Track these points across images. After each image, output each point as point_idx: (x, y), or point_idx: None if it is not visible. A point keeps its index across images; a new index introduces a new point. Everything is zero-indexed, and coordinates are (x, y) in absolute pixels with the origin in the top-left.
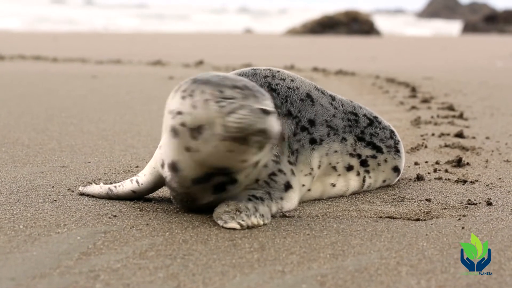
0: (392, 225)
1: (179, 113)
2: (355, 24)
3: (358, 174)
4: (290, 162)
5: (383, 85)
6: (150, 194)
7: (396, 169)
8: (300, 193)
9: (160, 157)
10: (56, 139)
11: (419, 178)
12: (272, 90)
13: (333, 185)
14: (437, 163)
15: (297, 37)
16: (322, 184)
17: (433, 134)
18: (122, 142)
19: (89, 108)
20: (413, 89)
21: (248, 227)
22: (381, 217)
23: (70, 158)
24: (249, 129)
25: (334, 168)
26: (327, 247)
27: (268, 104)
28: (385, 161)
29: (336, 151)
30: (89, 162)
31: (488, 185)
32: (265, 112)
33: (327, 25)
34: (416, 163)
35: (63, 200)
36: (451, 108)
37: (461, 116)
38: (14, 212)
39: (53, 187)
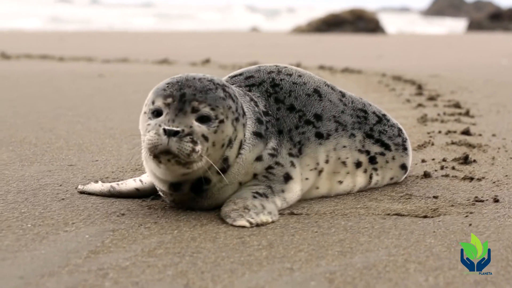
0: (399, 222)
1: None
2: (361, 23)
3: (365, 171)
4: (291, 154)
5: (390, 83)
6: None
7: (403, 167)
8: (302, 184)
9: None
10: (64, 138)
11: (426, 175)
12: (275, 85)
13: (340, 182)
14: (444, 160)
15: (303, 36)
16: (330, 182)
17: (439, 132)
18: (130, 141)
19: (96, 107)
20: (420, 87)
21: (257, 225)
22: (388, 214)
23: (78, 157)
24: (154, 150)
25: (344, 163)
26: (335, 245)
27: (181, 122)
28: (393, 158)
29: (344, 146)
30: (97, 160)
31: (495, 182)
32: (168, 133)
33: (332, 24)
34: (423, 161)
35: (71, 199)
36: (457, 105)
37: (467, 113)
38: (22, 210)
39: (60, 185)
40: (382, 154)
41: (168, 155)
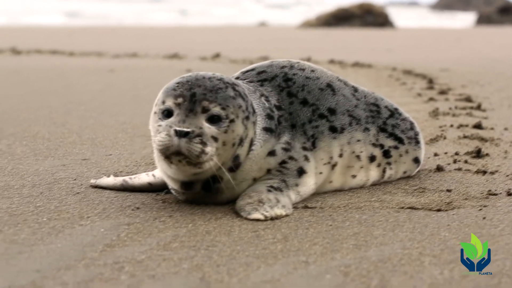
0: (414, 216)
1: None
2: (370, 17)
3: (379, 165)
4: (305, 148)
5: (400, 77)
6: None
7: (416, 160)
8: (316, 178)
9: None
10: (76, 132)
11: (439, 169)
12: (288, 79)
13: (354, 176)
14: (456, 154)
15: (312, 30)
16: (344, 176)
17: (451, 125)
18: (142, 135)
19: (108, 102)
20: (430, 81)
21: (272, 218)
22: (402, 207)
23: (91, 151)
24: (166, 152)
25: (358, 157)
26: (349, 238)
27: (192, 123)
28: (406, 152)
29: (358, 140)
30: (110, 154)
31: (508, 175)
32: (179, 134)
33: (341, 18)
34: (435, 154)
35: (86, 193)
36: (468, 99)
37: (479, 107)
38: (37, 204)
39: (75, 179)
40: (396, 147)
41: (179, 156)
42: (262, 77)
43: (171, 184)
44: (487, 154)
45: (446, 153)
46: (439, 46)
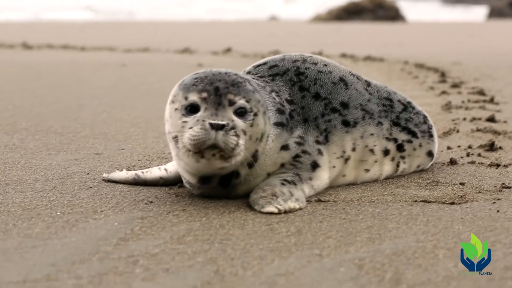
0: (427, 209)
1: (166, 120)
2: (381, 11)
3: (393, 159)
4: (318, 142)
5: (412, 71)
6: None
7: (430, 154)
8: (330, 172)
9: None
10: (89, 126)
11: (452, 162)
12: (300, 74)
13: (367, 170)
14: (469, 147)
15: (323, 24)
16: (357, 170)
17: (464, 119)
18: (155, 129)
19: (120, 97)
20: (443, 74)
21: (285, 212)
22: (416, 201)
23: (104, 145)
24: (201, 146)
25: (372, 151)
26: (363, 231)
27: (224, 116)
28: (420, 145)
29: (372, 134)
30: (123, 149)
31: None
32: (215, 127)
33: (352, 12)
34: (448, 148)
35: (99, 187)
36: (481, 92)
37: (491, 100)
38: (51, 199)
39: (88, 174)
40: (410, 141)
41: (214, 149)
42: (273, 72)
43: (188, 178)
44: (500, 147)
45: (459, 146)
46: (451, 39)
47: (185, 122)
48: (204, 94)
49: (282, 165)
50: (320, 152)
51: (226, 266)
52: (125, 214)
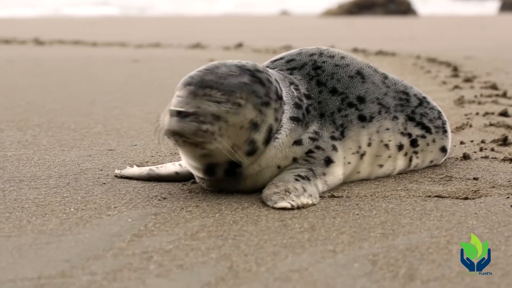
0: (441, 204)
1: None
2: (392, 4)
3: (406, 154)
4: (333, 138)
5: (425, 65)
6: None
7: (443, 149)
8: (344, 168)
9: None
10: (102, 122)
11: (465, 157)
12: (317, 68)
13: (381, 165)
14: (482, 142)
15: (334, 18)
16: (371, 165)
17: (477, 113)
18: None
19: (132, 92)
20: (455, 69)
21: (298, 207)
22: (429, 196)
23: (117, 142)
24: (167, 134)
25: (387, 146)
26: (377, 227)
27: (191, 104)
28: (433, 141)
29: (387, 129)
30: (136, 145)
31: None
32: (172, 113)
33: (363, 6)
34: (461, 142)
35: (112, 183)
36: (494, 87)
37: (504, 95)
38: (64, 195)
39: (101, 170)
40: (423, 136)
41: (175, 135)
42: (291, 66)
43: (194, 172)
44: None
45: (472, 141)
46: (463, 33)
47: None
48: (188, 87)
49: (294, 159)
50: (334, 148)
51: (240, 262)
52: (138, 210)
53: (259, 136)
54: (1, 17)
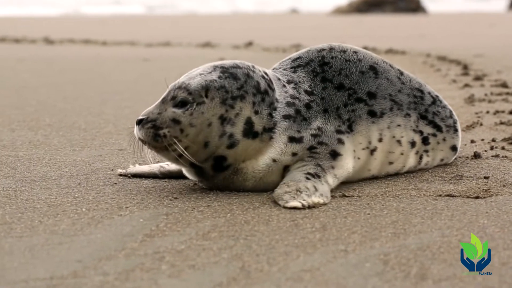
0: (451, 203)
1: None
2: (402, 2)
3: (417, 152)
4: (340, 131)
5: (435, 63)
6: None
7: (454, 148)
8: (354, 162)
9: None
10: (112, 122)
11: (476, 156)
12: (324, 64)
13: (391, 163)
14: (493, 140)
15: (343, 17)
16: (381, 163)
17: (487, 112)
18: None
19: (143, 91)
20: (465, 67)
21: (309, 207)
22: (440, 195)
23: (128, 141)
24: (140, 142)
25: (399, 142)
26: (388, 226)
27: (152, 112)
28: (444, 140)
29: (399, 125)
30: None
31: None
32: (137, 122)
33: (373, 4)
34: (472, 141)
35: (123, 183)
36: (504, 85)
37: None
38: (76, 195)
39: (112, 170)
40: (434, 135)
41: (142, 142)
42: (296, 64)
43: (189, 176)
44: None
45: (482, 139)
46: (473, 31)
47: None
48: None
49: (294, 154)
50: (340, 141)
51: (252, 262)
52: (150, 210)
53: (236, 129)
54: (17, 15)
